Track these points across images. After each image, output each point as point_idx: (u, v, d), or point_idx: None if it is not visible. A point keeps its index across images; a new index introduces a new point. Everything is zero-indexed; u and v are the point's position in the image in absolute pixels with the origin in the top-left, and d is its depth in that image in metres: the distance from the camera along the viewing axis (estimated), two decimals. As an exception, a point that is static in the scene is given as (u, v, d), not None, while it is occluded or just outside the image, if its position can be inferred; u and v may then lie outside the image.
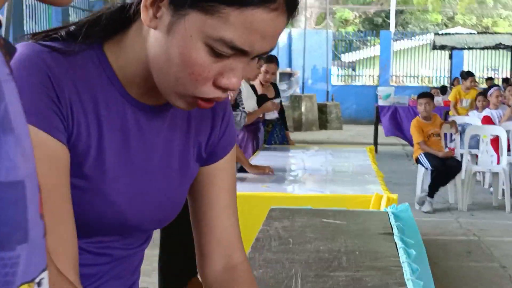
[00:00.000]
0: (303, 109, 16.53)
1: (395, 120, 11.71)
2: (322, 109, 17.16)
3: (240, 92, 4.92)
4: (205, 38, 0.98)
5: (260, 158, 5.06)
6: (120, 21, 1.08)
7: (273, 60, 5.92)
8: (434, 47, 17.19)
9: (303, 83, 18.33)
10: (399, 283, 1.78)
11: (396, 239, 2.23)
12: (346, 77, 23.39)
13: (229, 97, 4.34)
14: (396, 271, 1.88)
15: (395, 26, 24.90)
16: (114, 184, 1.10)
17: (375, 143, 12.17)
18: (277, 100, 5.89)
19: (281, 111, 6.21)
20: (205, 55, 0.99)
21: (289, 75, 17.73)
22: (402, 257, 2.00)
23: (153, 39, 1.02)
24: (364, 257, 2.05)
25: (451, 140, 8.42)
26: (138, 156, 1.13)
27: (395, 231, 2.34)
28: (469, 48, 17.32)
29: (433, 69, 22.47)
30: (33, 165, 0.61)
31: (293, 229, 2.45)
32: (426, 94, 7.63)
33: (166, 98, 1.07)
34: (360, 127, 17.53)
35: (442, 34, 18.53)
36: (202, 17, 0.97)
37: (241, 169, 4.37)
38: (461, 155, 7.88)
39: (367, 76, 23.19)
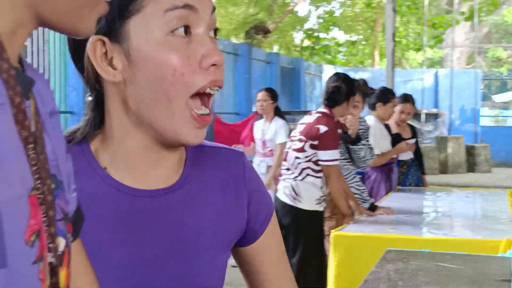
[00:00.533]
0: (449, 150, 16.04)
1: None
2: (470, 151, 16.56)
3: (367, 128, 4.86)
4: (157, 30, 0.97)
5: (392, 199, 4.96)
6: (96, 120, 1.07)
7: (409, 99, 5.82)
8: None
9: (449, 124, 17.82)
10: (505, 333, 1.67)
11: (514, 287, 2.10)
12: (498, 118, 22.50)
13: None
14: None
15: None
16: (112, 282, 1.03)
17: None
18: (412, 141, 5.76)
19: (418, 152, 6.06)
20: (170, 45, 0.97)
21: (435, 115, 17.32)
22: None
23: (128, 88, 1.00)
24: (472, 304, 1.94)
25: None
26: (140, 246, 1.06)
27: (515, 278, 2.21)
28: None
29: None
30: (15, 193, 0.60)
31: (405, 272, 2.37)
32: None
33: (172, 138, 1.02)
34: (511, 170, 16.73)
35: None
36: (138, 16, 0.97)
37: (371, 208, 4.30)
38: None
39: (520, 117, 22.20)
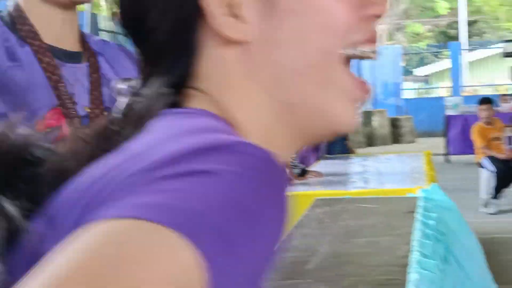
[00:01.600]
0: (374, 124, 16.79)
1: (466, 132, 11.74)
2: (395, 123, 17.37)
3: None
4: None
5: (321, 166, 5.45)
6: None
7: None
8: (506, 55, 17.14)
9: (374, 98, 18.57)
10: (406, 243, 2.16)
11: (417, 216, 2.60)
12: (419, 90, 23.47)
13: None
14: (406, 235, 2.26)
15: (470, 37, 24.84)
16: None
17: (446, 153, 12.33)
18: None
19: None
20: None
21: (361, 91, 18.00)
22: (416, 231, 2.37)
23: (263, 52, 0.61)
24: (382, 229, 2.44)
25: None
26: None
27: (419, 210, 2.71)
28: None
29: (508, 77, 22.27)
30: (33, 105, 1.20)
31: (331, 213, 2.85)
32: (486, 100, 7.88)
33: (323, 126, 0.65)
34: (434, 139, 17.58)
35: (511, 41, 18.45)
36: None
37: (302, 174, 4.78)
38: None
39: (440, 89, 23.24)
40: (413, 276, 1.74)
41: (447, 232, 2.71)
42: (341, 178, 4.66)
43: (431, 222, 2.47)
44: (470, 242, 2.99)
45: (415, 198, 3.02)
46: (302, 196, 3.91)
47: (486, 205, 7.51)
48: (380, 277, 1.80)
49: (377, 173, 4.96)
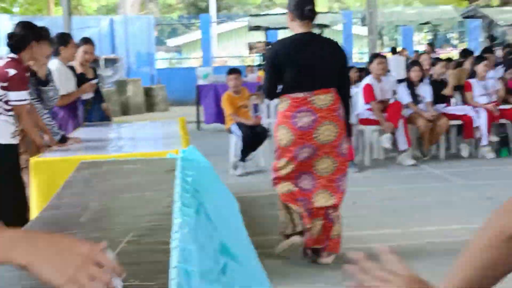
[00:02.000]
0: (129, 93, 16.98)
1: (217, 101, 12.32)
2: (148, 92, 17.70)
3: (50, 71, 5.41)
4: None
5: (80, 133, 5.56)
6: None
7: (90, 41, 6.46)
8: (250, 28, 18.22)
9: (127, 68, 18.72)
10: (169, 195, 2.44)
11: (177, 173, 2.89)
12: (172, 60, 24.02)
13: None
14: (168, 190, 2.54)
15: (220, 10, 25.84)
16: None
17: (198, 121, 12.93)
18: (94, 81, 6.41)
19: (98, 90, 6.72)
20: None
21: (113, 61, 18.07)
22: (177, 186, 2.65)
23: None
24: (147, 185, 2.70)
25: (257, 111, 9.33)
26: None
27: (178, 168, 3.00)
28: (283, 28, 18.33)
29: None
30: None
31: (97, 173, 3.05)
32: (234, 70, 8.45)
33: None
34: (186, 108, 18.22)
35: (255, 15, 19.65)
36: None
37: (62, 140, 4.87)
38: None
39: (192, 59, 23.98)
40: (176, 221, 2.02)
41: (200, 190, 3.04)
42: (102, 144, 4.84)
43: (189, 178, 2.77)
44: (223, 200, 3.35)
45: (174, 158, 3.32)
46: (65, 160, 4.03)
47: (234, 167, 8.12)
48: (149, 224, 2.06)
49: (136, 138, 5.22)
